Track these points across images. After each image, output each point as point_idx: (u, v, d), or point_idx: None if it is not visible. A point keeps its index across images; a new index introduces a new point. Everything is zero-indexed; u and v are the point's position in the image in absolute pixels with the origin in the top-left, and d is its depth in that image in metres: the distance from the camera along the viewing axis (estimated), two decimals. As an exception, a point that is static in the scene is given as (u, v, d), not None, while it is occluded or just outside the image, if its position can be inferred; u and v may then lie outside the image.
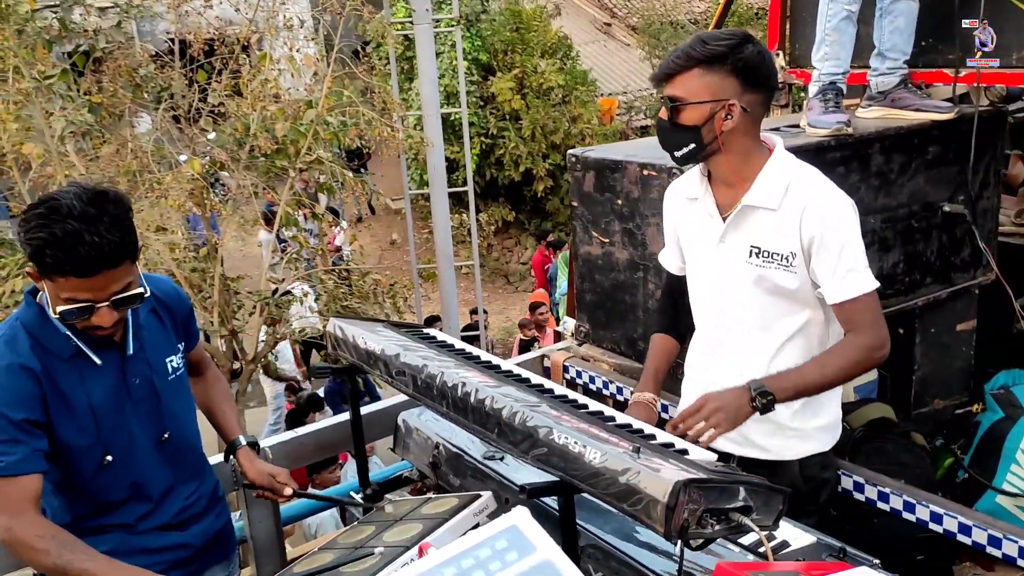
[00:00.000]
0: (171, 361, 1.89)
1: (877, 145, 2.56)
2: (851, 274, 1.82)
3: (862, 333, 1.83)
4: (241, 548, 2.26)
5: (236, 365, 5.65)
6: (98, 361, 1.76)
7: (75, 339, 1.73)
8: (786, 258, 1.85)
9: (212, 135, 5.72)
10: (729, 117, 1.82)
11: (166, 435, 1.87)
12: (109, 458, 1.77)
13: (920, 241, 2.73)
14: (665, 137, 1.91)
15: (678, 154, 1.90)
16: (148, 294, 1.75)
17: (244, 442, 2.05)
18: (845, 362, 1.82)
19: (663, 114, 1.89)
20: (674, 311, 2.16)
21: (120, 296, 1.67)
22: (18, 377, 1.67)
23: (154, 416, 1.84)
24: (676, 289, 2.15)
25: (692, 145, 1.86)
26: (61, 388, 1.71)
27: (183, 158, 5.46)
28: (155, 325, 1.87)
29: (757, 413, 1.72)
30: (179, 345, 1.93)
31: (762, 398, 1.72)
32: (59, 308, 1.65)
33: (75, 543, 1.65)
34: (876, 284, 1.85)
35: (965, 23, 2.63)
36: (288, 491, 2.02)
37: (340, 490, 3.16)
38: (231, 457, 2.07)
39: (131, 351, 1.80)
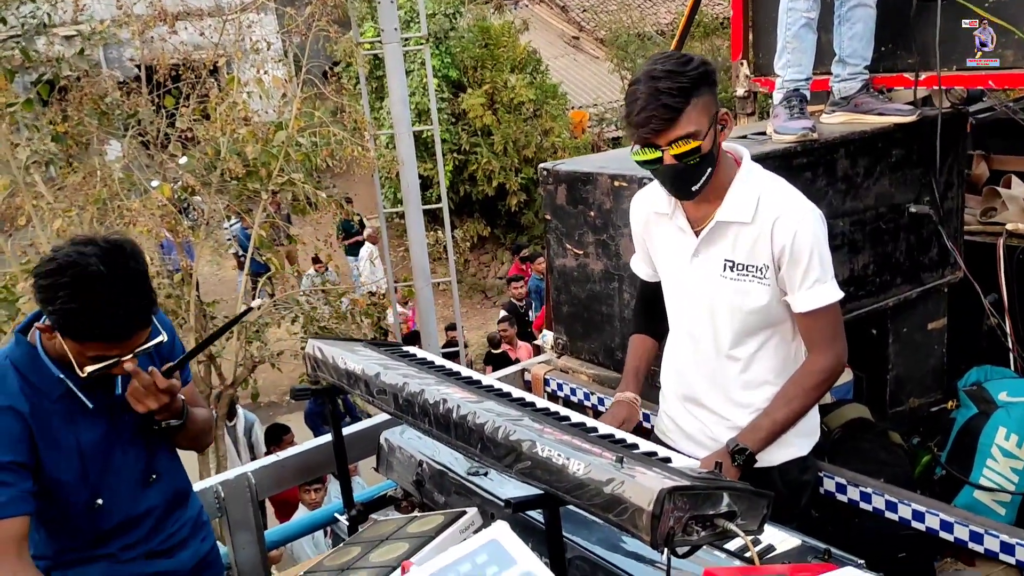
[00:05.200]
0: None
1: (842, 150, 2.61)
2: (818, 285, 1.86)
3: (820, 352, 1.89)
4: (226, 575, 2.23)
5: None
6: (89, 404, 1.74)
7: (67, 381, 1.71)
8: (760, 270, 1.87)
9: (183, 159, 5.69)
10: (723, 127, 1.84)
11: (154, 476, 1.86)
12: (100, 501, 1.75)
13: (889, 242, 2.78)
14: (684, 179, 1.80)
15: (696, 188, 1.82)
16: (166, 339, 1.75)
17: None
18: (808, 390, 1.89)
19: (670, 160, 1.76)
20: (650, 314, 2.18)
21: (144, 347, 1.68)
22: (5, 418, 1.64)
23: (142, 454, 1.83)
24: (650, 294, 2.17)
25: (709, 170, 1.81)
26: (50, 428, 1.69)
27: (155, 183, 5.41)
28: (144, 361, 1.83)
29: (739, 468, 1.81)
30: None
31: (740, 455, 1.81)
32: (88, 368, 1.64)
33: None
34: (840, 295, 1.89)
35: (966, 23, 2.68)
36: (129, 365, 1.70)
37: (325, 511, 3.13)
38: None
39: (120, 391, 1.78)
